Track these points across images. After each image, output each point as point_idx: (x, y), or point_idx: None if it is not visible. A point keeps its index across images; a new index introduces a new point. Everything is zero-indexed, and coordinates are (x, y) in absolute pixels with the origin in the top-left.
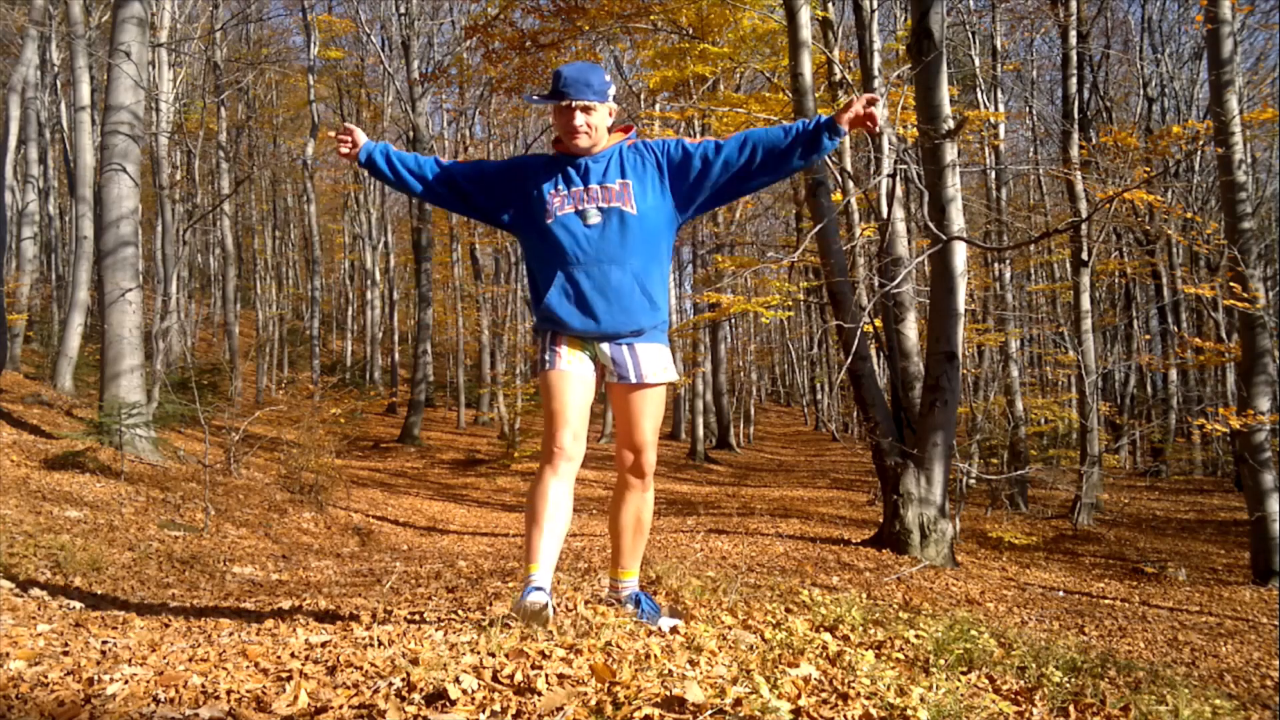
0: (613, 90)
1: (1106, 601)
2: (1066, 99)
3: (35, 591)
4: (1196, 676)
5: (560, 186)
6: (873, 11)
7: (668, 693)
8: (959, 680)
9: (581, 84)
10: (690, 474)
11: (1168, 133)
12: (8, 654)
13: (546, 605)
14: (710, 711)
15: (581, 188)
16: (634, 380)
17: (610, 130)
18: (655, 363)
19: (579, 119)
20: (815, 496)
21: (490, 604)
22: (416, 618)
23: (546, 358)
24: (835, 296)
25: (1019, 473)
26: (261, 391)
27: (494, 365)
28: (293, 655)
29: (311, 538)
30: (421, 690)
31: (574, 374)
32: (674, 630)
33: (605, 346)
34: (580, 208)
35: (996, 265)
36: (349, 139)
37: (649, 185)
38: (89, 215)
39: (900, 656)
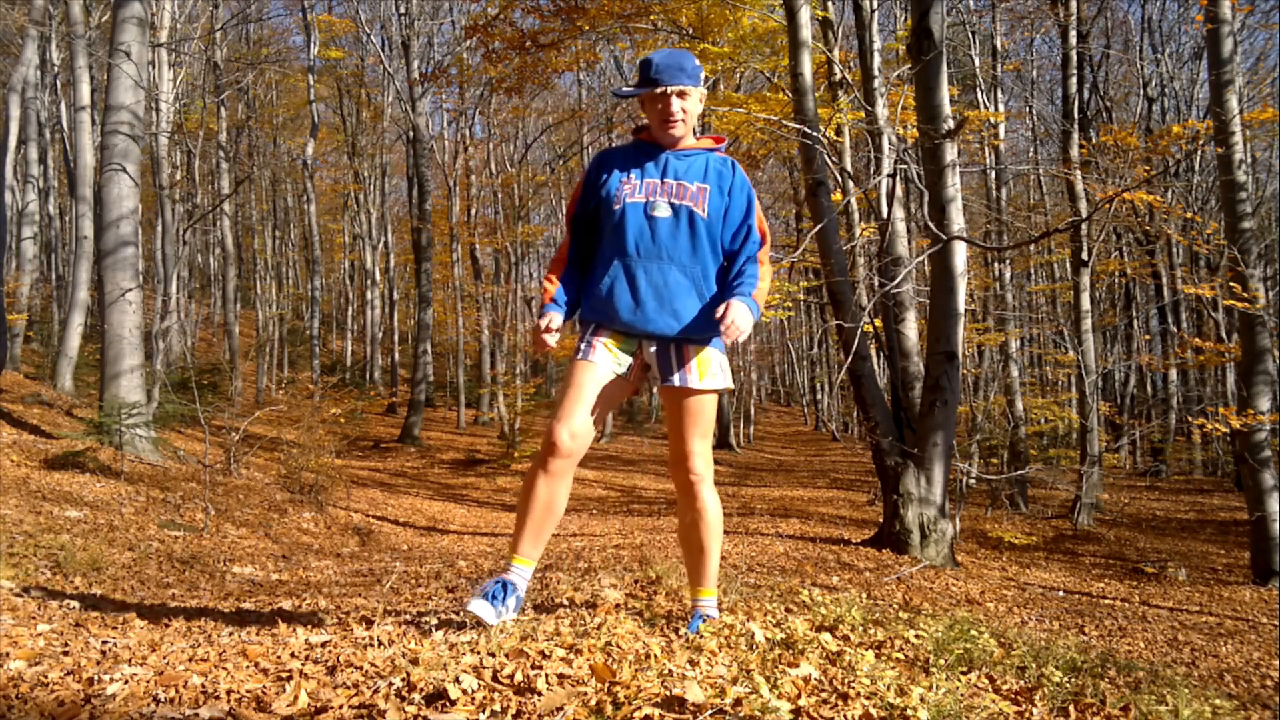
0: (703, 74)
1: (1106, 601)
2: (1066, 99)
3: (35, 591)
4: (1196, 676)
5: (633, 175)
6: (873, 11)
7: (668, 693)
8: (959, 680)
9: (675, 69)
10: None
11: (1168, 133)
12: (8, 654)
13: (483, 621)
14: (710, 711)
15: (657, 179)
16: (677, 384)
17: (699, 136)
18: (703, 368)
19: (675, 105)
20: (815, 496)
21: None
22: (416, 618)
23: (581, 347)
24: (835, 296)
25: (1019, 473)
26: (261, 391)
27: (494, 365)
28: (293, 655)
29: (311, 538)
30: (421, 690)
31: (600, 369)
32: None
33: (650, 346)
34: (650, 199)
35: (996, 265)
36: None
37: (721, 199)
38: (89, 215)
39: (900, 656)
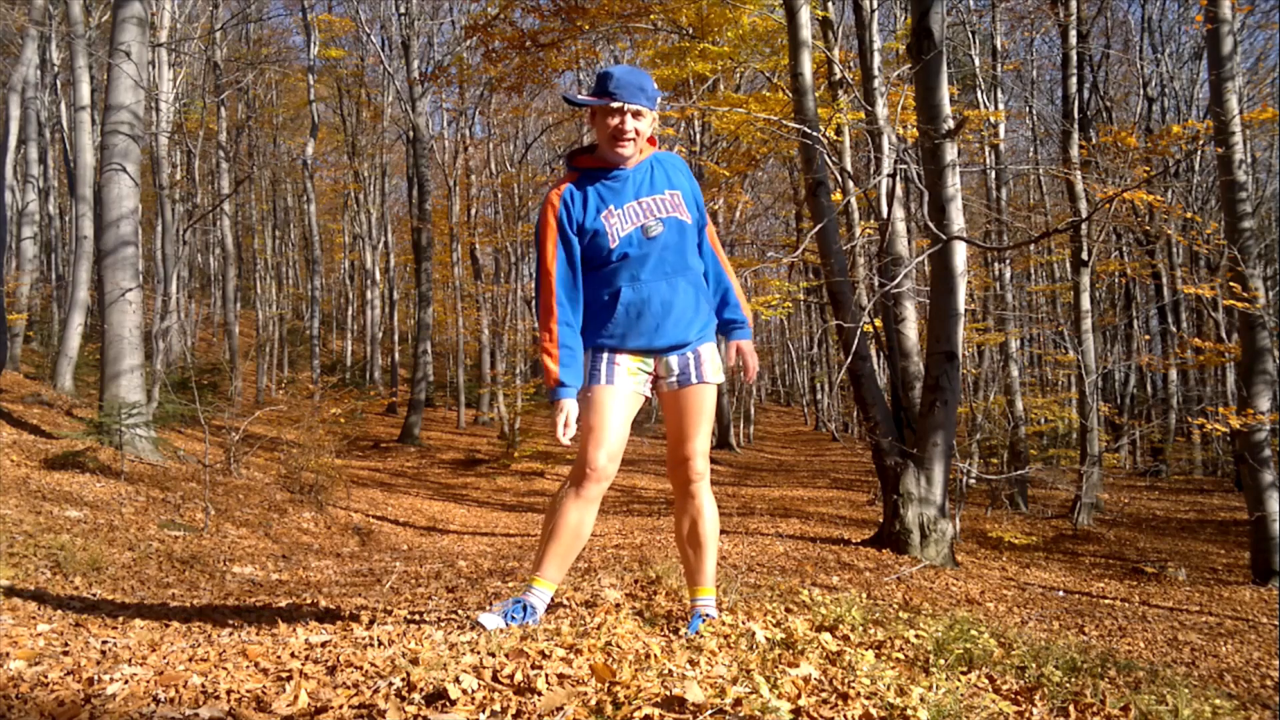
0: (659, 100)
1: (1106, 601)
2: (1066, 99)
3: (35, 591)
4: (1196, 676)
5: (611, 206)
6: (873, 11)
7: (668, 693)
8: (959, 680)
9: (635, 87)
10: None
11: (1168, 133)
12: (8, 654)
13: (494, 632)
14: (710, 711)
15: (633, 201)
16: (694, 381)
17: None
18: (713, 362)
19: (629, 124)
20: (815, 496)
21: (490, 604)
22: (416, 618)
23: (603, 370)
24: (835, 296)
25: (1019, 473)
26: (261, 391)
27: (494, 365)
28: (293, 655)
29: (311, 538)
30: (421, 690)
31: (624, 391)
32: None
33: (671, 357)
34: (642, 222)
35: (996, 265)
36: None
37: (690, 197)
38: (89, 215)
39: (900, 656)
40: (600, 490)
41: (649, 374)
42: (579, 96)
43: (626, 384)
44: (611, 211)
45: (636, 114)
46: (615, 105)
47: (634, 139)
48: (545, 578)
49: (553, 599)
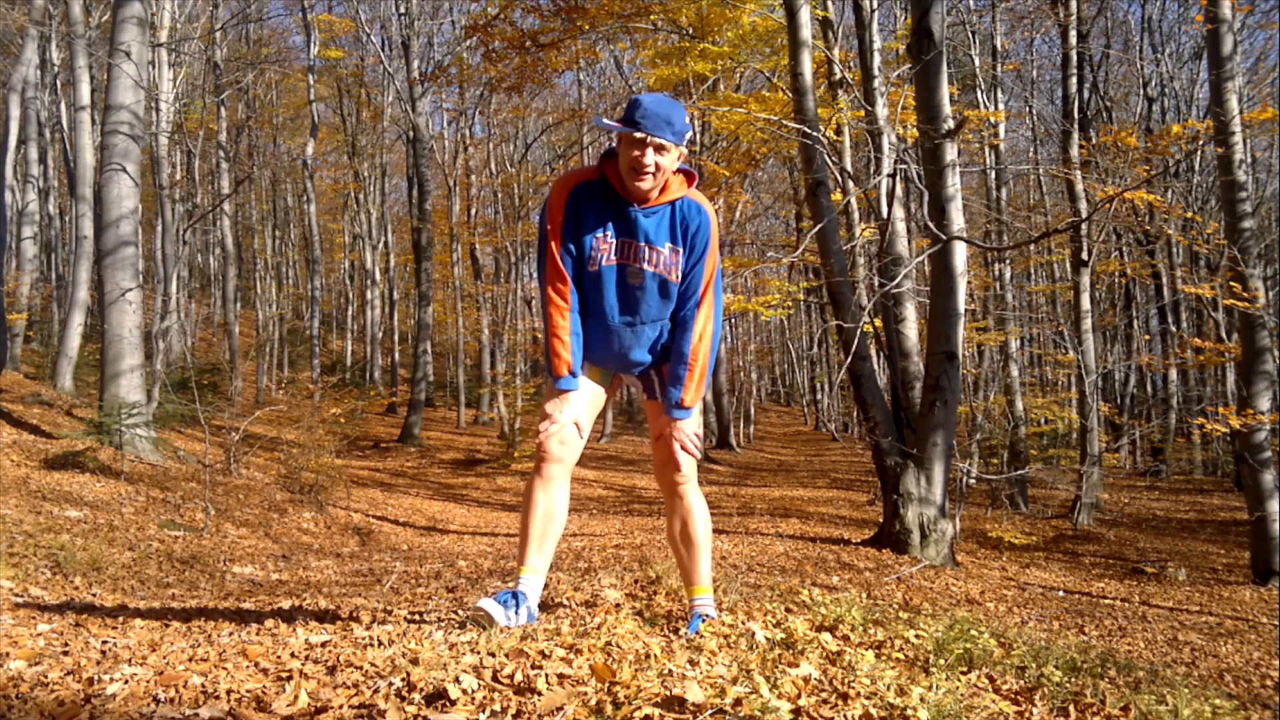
0: (689, 135)
1: (1106, 601)
2: (1066, 99)
3: (35, 591)
4: (1196, 676)
5: (608, 232)
6: (873, 11)
7: (668, 693)
8: (959, 680)
9: (662, 120)
10: None
11: (1168, 133)
12: (8, 654)
13: (490, 618)
14: (710, 711)
15: (629, 240)
16: (660, 403)
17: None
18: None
19: (649, 157)
20: (815, 496)
21: None
22: (416, 618)
23: None
24: (835, 296)
25: (1019, 473)
26: (261, 391)
27: (494, 365)
28: (293, 655)
29: (311, 538)
30: (421, 690)
31: (586, 386)
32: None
33: (629, 374)
34: (626, 263)
35: (996, 265)
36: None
37: (690, 259)
38: (89, 215)
39: (900, 656)
40: (557, 470)
41: (610, 375)
42: (606, 121)
43: (583, 378)
44: (604, 238)
45: (660, 148)
46: (638, 136)
47: (652, 174)
48: (529, 566)
49: (553, 599)
